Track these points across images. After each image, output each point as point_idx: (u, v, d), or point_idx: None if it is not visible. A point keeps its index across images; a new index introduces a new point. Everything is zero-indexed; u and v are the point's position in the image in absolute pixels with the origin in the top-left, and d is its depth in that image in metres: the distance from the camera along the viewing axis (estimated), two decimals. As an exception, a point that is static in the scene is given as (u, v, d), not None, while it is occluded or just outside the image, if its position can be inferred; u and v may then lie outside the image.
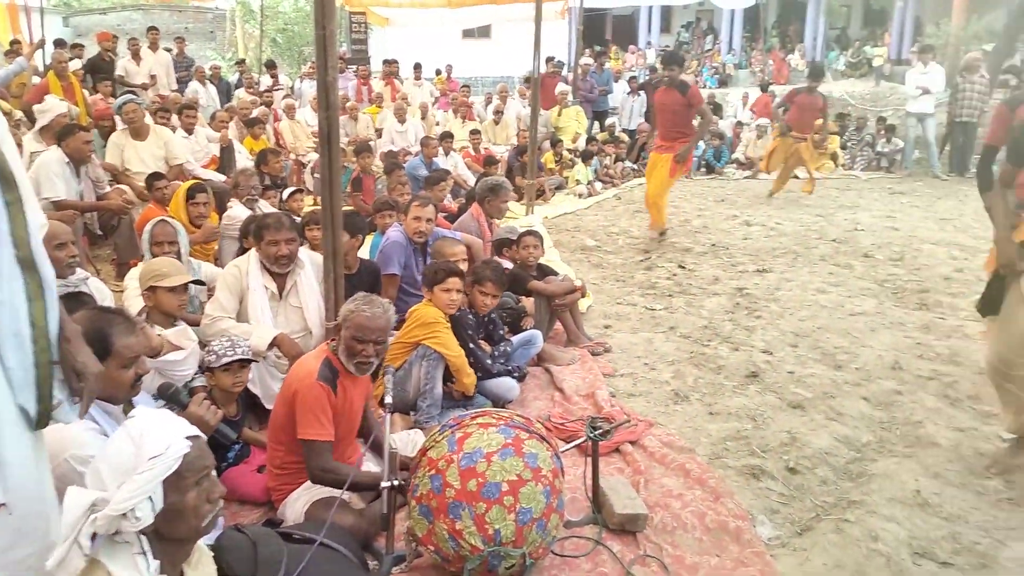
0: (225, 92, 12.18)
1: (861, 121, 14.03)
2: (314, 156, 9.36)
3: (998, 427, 3.65)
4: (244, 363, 3.24)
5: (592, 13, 21.29)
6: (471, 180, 9.15)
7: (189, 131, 7.85)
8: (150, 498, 1.63)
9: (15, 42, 10.42)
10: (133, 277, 3.83)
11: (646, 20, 25.57)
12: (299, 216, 5.29)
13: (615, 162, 12.15)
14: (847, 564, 2.71)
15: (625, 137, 13.08)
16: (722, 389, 4.26)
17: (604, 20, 26.75)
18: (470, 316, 4.17)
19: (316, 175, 8.32)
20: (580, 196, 10.66)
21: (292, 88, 13.28)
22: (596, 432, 2.95)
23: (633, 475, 3.29)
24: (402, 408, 3.73)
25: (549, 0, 12.39)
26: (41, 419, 1.70)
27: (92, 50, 11.61)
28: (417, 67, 13.81)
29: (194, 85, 11.43)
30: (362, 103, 12.15)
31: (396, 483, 2.55)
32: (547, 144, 11.55)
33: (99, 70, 10.36)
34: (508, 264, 5.03)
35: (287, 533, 2.44)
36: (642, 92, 14.03)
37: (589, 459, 2.99)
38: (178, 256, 4.14)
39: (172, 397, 2.69)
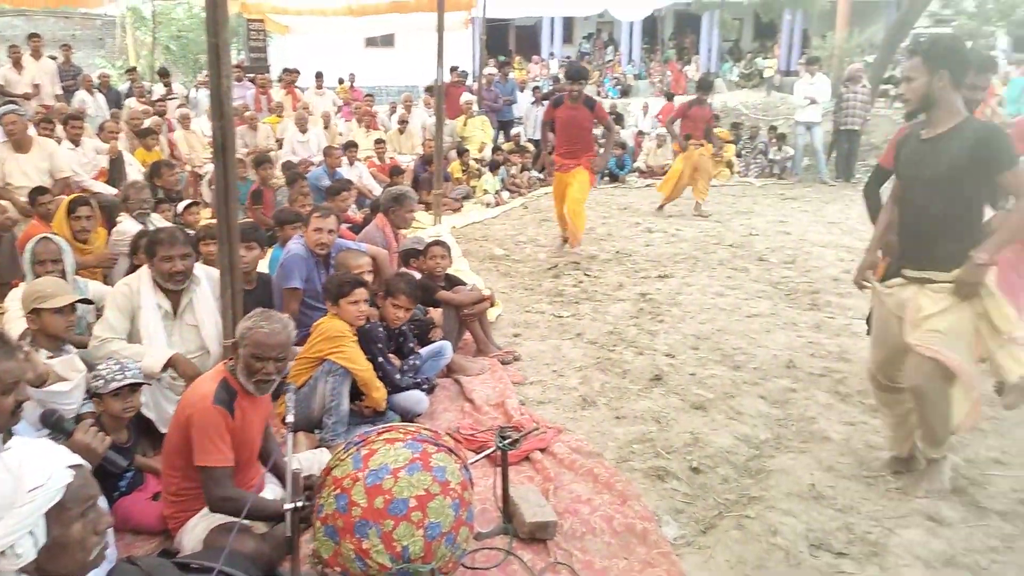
0: (115, 101, 11.62)
1: (754, 130, 14.63)
2: (211, 167, 9.04)
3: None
4: (135, 387, 3.08)
5: (495, 23, 21.45)
6: (377, 190, 9.04)
7: (75, 142, 7.51)
8: (31, 532, 1.55)
9: None
10: (14, 299, 3.61)
11: (548, 31, 26.04)
12: (195, 230, 5.11)
13: (521, 171, 12.27)
14: (749, 559, 2.81)
15: (531, 147, 13.22)
16: (628, 393, 4.35)
17: (507, 30, 27.02)
18: (380, 329, 4.10)
19: (213, 187, 8.05)
20: (488, 205, 10.73)
21: (187, 97, 12.86)
22: (505, 441, 2.96)
23: (543, 482, 3.32)
24: (307, 426, 3.63)
25: (452, 10, 12.39)
26: None
27: (-32, 59, 10.96)
28: (319, 76, 13.61)
29: (81, 94, 10.90)
30: (261, 113, 11.86)
31: (300, 505, 2.47)
32: (453, 154, 11.57)
33: (-24, 79, 9.80)
34: (416, 275, 4.99)
35: (184, 563, 2.32)
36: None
37: (499, 469, 2.98)
38: (63, 275, 3.90)
39: (56, 425, 2.53)
